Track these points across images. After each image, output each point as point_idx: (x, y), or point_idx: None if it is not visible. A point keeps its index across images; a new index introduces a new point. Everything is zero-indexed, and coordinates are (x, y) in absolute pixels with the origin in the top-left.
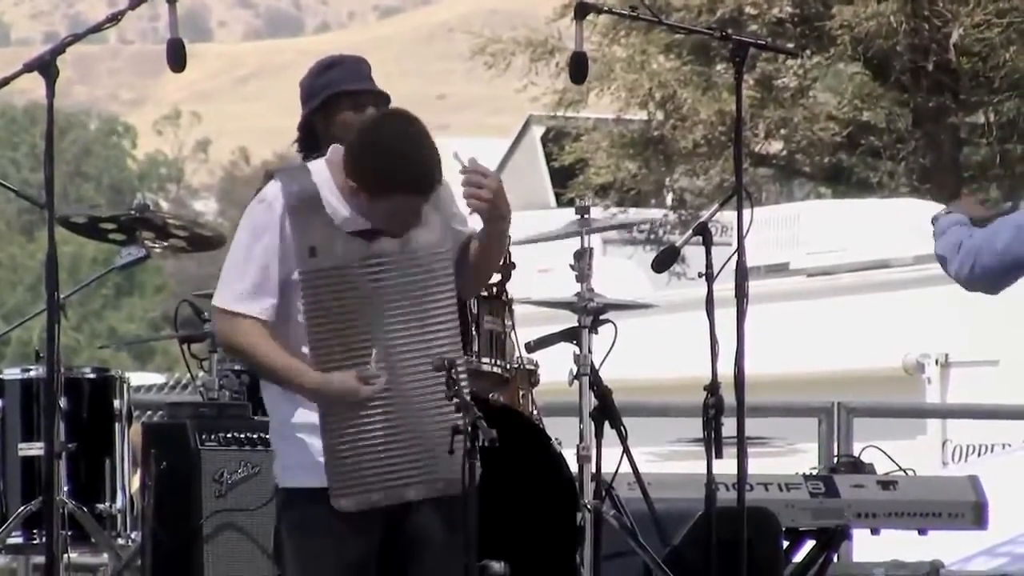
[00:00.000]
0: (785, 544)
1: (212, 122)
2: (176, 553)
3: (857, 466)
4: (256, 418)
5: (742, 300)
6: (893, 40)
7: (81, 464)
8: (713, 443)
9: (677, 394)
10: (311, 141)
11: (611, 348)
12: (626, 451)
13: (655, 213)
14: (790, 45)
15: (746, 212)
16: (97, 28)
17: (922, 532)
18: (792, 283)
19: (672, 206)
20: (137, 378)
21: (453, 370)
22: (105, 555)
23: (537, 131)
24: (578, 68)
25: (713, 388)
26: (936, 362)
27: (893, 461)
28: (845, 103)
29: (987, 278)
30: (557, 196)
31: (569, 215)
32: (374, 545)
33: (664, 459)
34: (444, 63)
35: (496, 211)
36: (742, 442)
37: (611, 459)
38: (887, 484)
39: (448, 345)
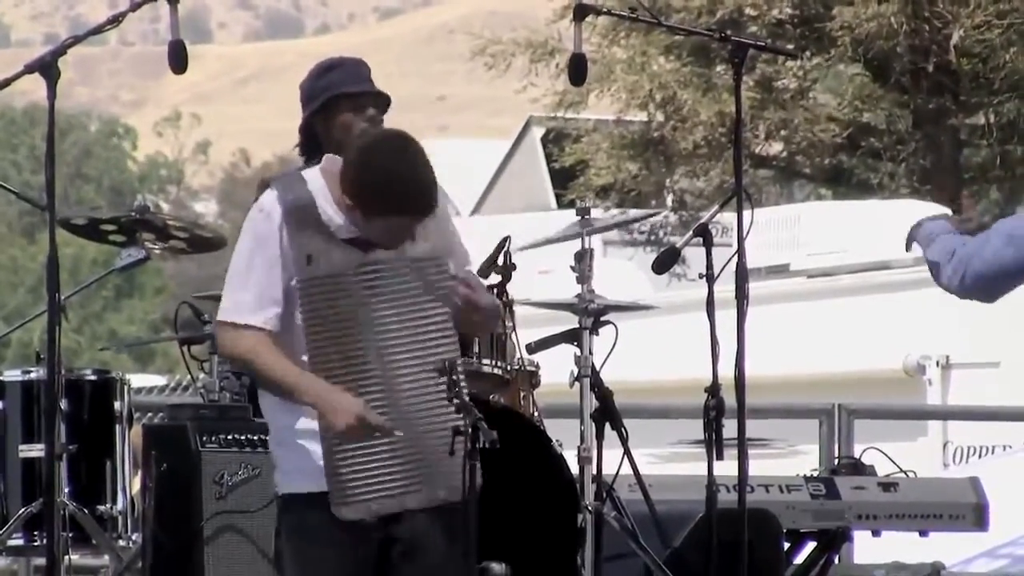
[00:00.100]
0: (786, 546)
1: (212, 124)
2: (177, 555)
3: (858, 468)
4: (257, 420)
5: (742, 301)
6: (893, 41)
7: (82, 466)
8: (714, 445)
9: (678, 396)
10: (312, 144)
11: (612, 349)
12: (627, 452)
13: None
14: (790, 46)
15: (746, 213)
16: (98, 30)
17: (923, 534)
18: (792, 284)
19: (672, 207)
20: (138, 380)
21: (454, 372)
22: (106, 557)
23: (537, 132)
24: (578, 70)
25: (714, 390)
26: (937, 364)
27: (894, 463)
28: (845, 104)
29: (979, 287)
30: (557, 197)
31: (570, 216)
32: (373, 551)
33: (665, 461)
34: (444, 64)
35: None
36: (743, 444)
37: (612, 461)
38: (888, 486)
39: (445, 350)
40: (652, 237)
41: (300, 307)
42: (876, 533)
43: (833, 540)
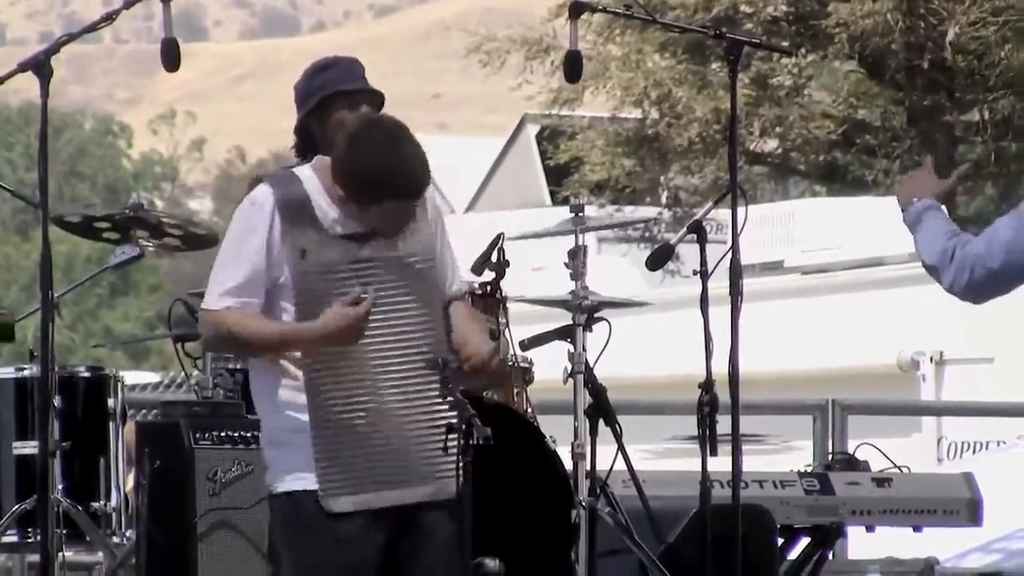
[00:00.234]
0: (780, 541)
1: (207, 121)
2: (170, 551)
3: (852, 463)
4: (249, 417)
5: (737, 298)
6: (889, 38)
7: (76, 463)
8: (708, 440)
9: (672, 392)
10: (308, 145)
11: (605, 346)
12: (621, 449)
13: (650, 211)
14: (785, 44)
15: (741, 210)
16: (92, 27)
17: (917, 529)
18: (787, 281)
19: (667, 204)
20: (132, 377)
21: (446, 369)
22: (100, 553)
23: (532, 130)
24: (573, 67)
25: (708, 386)
26: (931, 359)
27: (888, 458)
28: (840, 101)
29: (981, 292)
30: (552, 194)
31: (564, 213)
32: (370, 551)
33: (659, 457)
34: (440, 62)
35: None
36: (737, 439)
37: (606, 457)
38: (882, 481)
39: (435, 348)
40: (646, 234)
41: (294, 300)
42: (870, 529)
43: (827, 536)
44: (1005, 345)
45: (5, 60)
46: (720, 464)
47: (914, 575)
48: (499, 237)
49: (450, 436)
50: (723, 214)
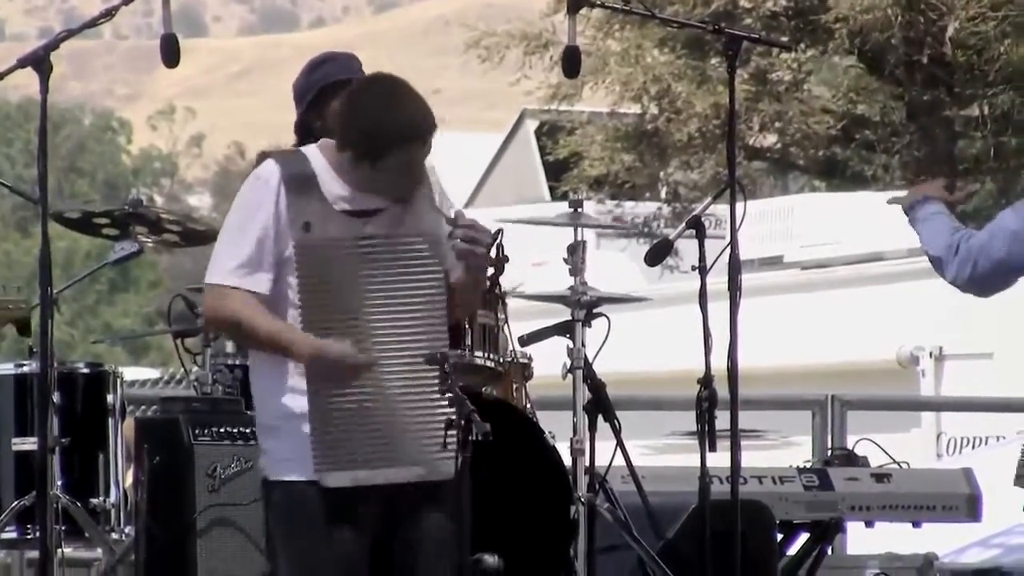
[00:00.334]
0: (779, 537)
1: (207, 117)
2: (169, 548)
3: (851, 459)
4: (249, 413)
5: (736, 293)
6: (888, 33)
7: (75, 459)
8: (707, 436)
9: (671, 387)
10: (307, 142)
11: (604, 341)
12: (620, 444)
13: (649, 206)
14: (784, 39)
15: (740, 205)
16: (91, 23)
17: (916, 525)
18: (786, 276)
19: (666, 199)
20: (131, 373)
21: (446, 363)
22: (99, 550)
23: (531, 125)
24: (571, 62)
25: (707, 381)
26: (930, 355)
27: (887, 454)
28: (840, 96)
29: (985, 284)
30: (551, 190)
31: (563, 209)
32: (366, 541)
33: (658, 452)
34: (439, 58)
35: (480, 267)
36: (736, 435)
37: (605, 452)
38: (881, 477)
39: (433, 331)
40: (645, 229)
41: (296, 272)
42: (869, 524)
43: (826, 531)
44: (1004, 340)
45: (4, 56)
46: (719, 460)
47: (913, 571)
48: (498, 233)
49: (449, 432)
50: (722, 209)
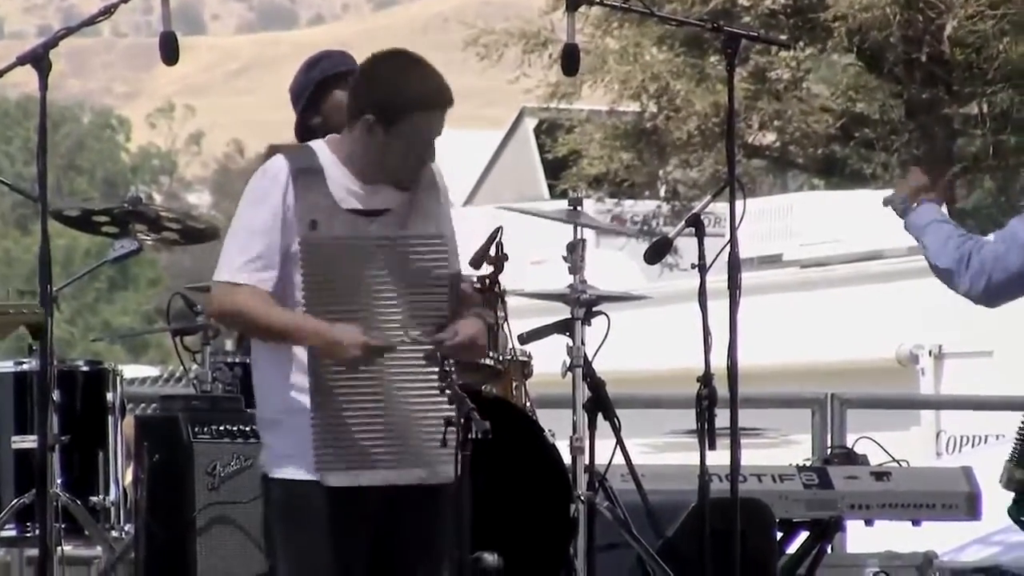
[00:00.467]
0: (779, 535)
1: (206, 115)
2: (169, 546)
3: (851, 457)
4: (249, 411)
5: (735, 291)
6: (887, 32)
7: (74, 457)
8: (706, 434)
9: (670, 385)
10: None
11: (604, 340)
12: (619, 443)
13: (648, 205)
14: (783, 37)
15: (739, 203)
16: (90, 21)
17: (916, 523)
18: (785, 274)
19: (665, 197)
20: (131, 371)
21: (446, 362)
22: (98, 548)
23: (530, 123)
24: (570, 60)
25: (706, 379)
26: (930, 353)
27: (887, 452)
28: (839, 95)
29: (1000, 295)
30: (550, 188)
31: (562, 207)
32: (366, 540)
33: (657, 451)
34: (439, 55)
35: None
36: (735, 433)
37: (604, 451)
38: (881, 475)
39: (435, 331)
40: (645, 227)
41: (300, 270)
42: (869, 522)
43: (826, 530)
44: (1004, 339)
45: (3, 54)
46: (719, 458)
47: (913, 569)
48: (497, 231)
49: (448, 430)
50: (721, 207)
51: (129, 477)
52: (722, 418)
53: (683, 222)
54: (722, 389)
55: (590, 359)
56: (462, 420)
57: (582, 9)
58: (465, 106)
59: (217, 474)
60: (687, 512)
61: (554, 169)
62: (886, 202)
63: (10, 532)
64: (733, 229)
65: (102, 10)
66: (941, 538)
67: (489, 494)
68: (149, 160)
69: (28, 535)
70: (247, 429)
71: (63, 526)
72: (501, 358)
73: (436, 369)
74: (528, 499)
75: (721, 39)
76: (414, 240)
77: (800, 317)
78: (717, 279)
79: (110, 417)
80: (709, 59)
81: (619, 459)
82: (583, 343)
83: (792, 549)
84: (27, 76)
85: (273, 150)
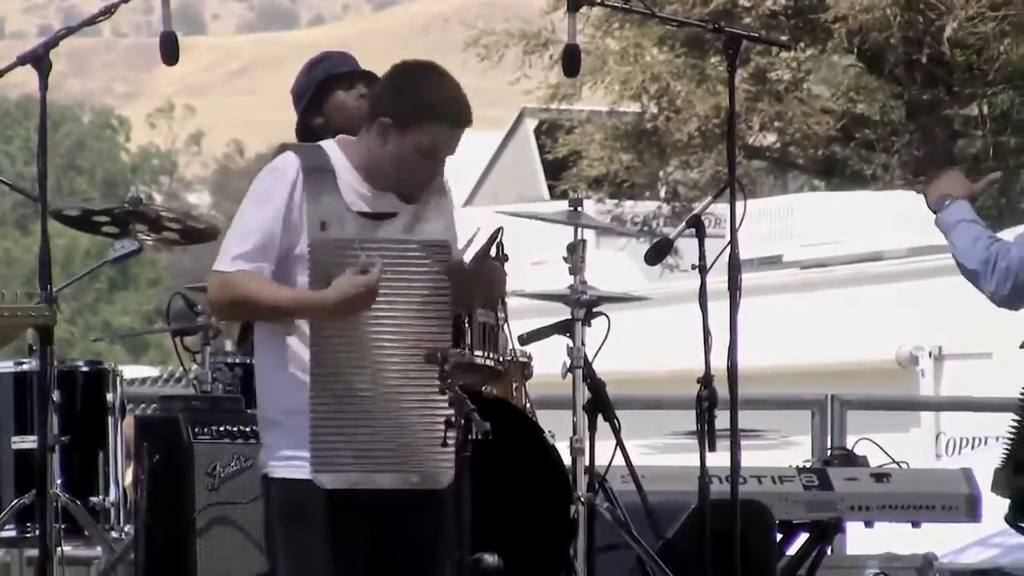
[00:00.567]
0: (779, 537)
1: (206, 115)
2: (169, 546)
3: (851, 459)
4: (249, 411)
5: (735, 293)
6: (887, 33)
7: (74, 457)
8: (706, 436)
9: (670, 387)
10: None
11: (604, 341)
12: (619, 444)
13: (649, 206)
14: (784, 38)
15: (739, 204)
16: (91, 21)
17: (915, 525)
18: (786, 275)
19: (666, 198)
20: (131, 371)
21: (446, 363)
22: (98, 548)
23: (530, 124)
24: (571, 61)
25: (706, 381)
26: (930, 354)
27: (887, 454)
28: (839, 96)
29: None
30: (550, 188)
31: (562, 207)
32: (365, 541)
33: (657, 452)
34: (438, 56)
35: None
36: (735, 435)
37: (604, 452)
38: (880, 477)
39: (440, 337)
40: (645, 228)
41: (309, 270)
42: (869, 524)
43: (826, 531)
44: (1004, 340)
45: (4, 53)
46: (719, 459)
47: (913, 571)
48: (497, 232)
49: (448, 431)
50: (722, 208)
51: (129, 478)
52: (722, 419)
53: (683, 223)
54: (722, 390)
55: (590, 360)
56: (462, 421)
57: (583, 10)
58: None
59: (217, 475)
60: (687, 513)
61: (554, 170)
62: (919, 189)
63: (10, 532)
64: (733, 230)
65: (102, 10)
66: (941, 540)
67: (489, 495)
68: (149, 160)
69: (28, 535)
70: (247, 429)
71: (63, 526)
72: (501, 359)
73: (436, 369)
74: (528, 500)
75: (722, 40)
76: (421, 244)
77: (800, 318)
78: (717, 280)
79: (110, 417)
80: (710, 60)
81: (619, 460)
82: (583, 344)
83: (792, 550)
84: (27, 76)
85: (283, 148)
